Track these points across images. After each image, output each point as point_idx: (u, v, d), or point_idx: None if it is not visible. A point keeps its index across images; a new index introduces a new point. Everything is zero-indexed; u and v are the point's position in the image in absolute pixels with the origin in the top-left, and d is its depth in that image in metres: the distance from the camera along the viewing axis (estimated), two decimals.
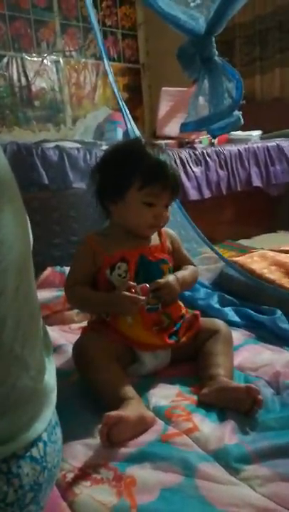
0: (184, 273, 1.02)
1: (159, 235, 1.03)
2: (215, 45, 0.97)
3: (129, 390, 0.82)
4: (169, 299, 0.96)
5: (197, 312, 1.04)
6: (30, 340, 0.53)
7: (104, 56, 1.56)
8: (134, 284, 0.90)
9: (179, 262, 1.06)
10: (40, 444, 0.53)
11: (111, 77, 1.57)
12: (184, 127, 1.10)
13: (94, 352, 0.88)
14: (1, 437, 0.48)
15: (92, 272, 0.97)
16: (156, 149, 0.96)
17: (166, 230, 1.06)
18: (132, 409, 0.76)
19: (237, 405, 0.80)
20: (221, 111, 0.98)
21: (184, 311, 1.03)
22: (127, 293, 0.88)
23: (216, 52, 0.98)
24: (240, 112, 1.03)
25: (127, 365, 0.93)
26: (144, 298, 0.88)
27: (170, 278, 0.96)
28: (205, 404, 0.83)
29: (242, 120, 1.02)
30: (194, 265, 1.10)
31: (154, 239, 1.02)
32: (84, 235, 1.61)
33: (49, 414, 0.56)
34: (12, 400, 0.49)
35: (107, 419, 0.71)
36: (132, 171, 0.92)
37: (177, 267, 1.04)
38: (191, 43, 1.00)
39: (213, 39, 0.97)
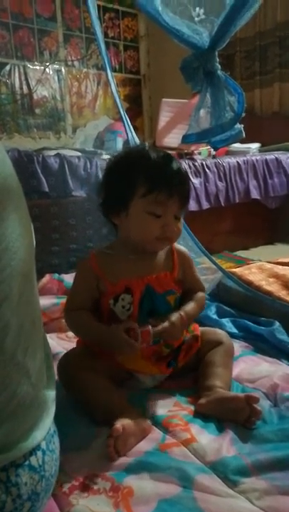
0: (190, 307, 0.92)
1: (172, 255, 0.94)
2: (218, 59, 0.99)
3: (121, 401, 0.81)
4: (171, 339, 0.90)
5: (197, 333, 0.99)
6: (32, 348, 0.53)
7: (107, 66, 1.57)
8: (136, 325, 0.82)
9: (189, 285, 0.97)
10: (39, 453, 0.53)
11: (113, 87, 1.58)
12: (185, 139, 1.11)
13: (80, 365, 0.85)
14: (0, 445, 0.47)
15: (95, 296, 0.91)
16: (162, 154, 0.88)
17: (179, 248, 0.97)
18: (131, 418, 0.75)
19: (235, 415, 0.80)
20: (223, 123, 0.99)
21: (185, 335, 0.97)
22: (125, 336, 0.80)
23: (219, 67, 1.00)
24: (242, 125, 1.04)
25: (121, 381, 0.91)
26: (143, 344, 0.82)
27: (174, 319, 0.86)
28: (202, 415, 0.83)
29: (244, 133, 1.04)
30: (203, 289, 1.00)
31: (166, 262, 0.93)
32: (83, 244, 1.59)
33: (48, 422, 0.56)
34: (12, 407, 0.49)
35: (113, 432, 0.70)
36: (134, 177, 0.84)
37: (185, 291, 0.97)
38: (195, 57, 1.01)
39: (216, 53, 0.99)
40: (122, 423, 0.72)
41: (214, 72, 0.98)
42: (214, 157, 2.53)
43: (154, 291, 0.89)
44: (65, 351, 1.13)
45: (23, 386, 0.50)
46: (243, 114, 1.00)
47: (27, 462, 0.51)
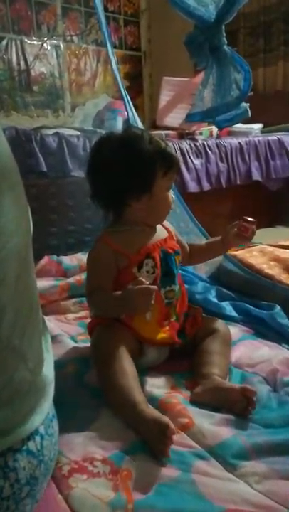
0: None
1: (161, 225, 1.03)
2: (224, 34, 0.95)
3: (143, 398, 0.78)
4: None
5: (198, 310, 1.04)
6: (29, 332, 0.52)
7: (107, 41, 1.52)
8: (144, 282, 0.84)
9: (184, 249, 1.08)
10: (37, 438, 0.52)
11: (114, 64, 1.53)
12: (189, 118, 1.08)
13: (111, 347, 0.86)
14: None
15: (114, 275, 0.94)
16: (153, 135, 0.96)
17: (165, 221, 1.07)
18: (154, 410, 0.74)
19: (230, 406, 0.79)
20: (228, 102, 0.96)
21: (188, 310, 1.03)
22: (140, 286, 0.83)
23: (225, 41, 0.96)
24: (248, 104, 1.01)
25: (134, 358, 0.91)
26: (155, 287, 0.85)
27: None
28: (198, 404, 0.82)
29: (249, 112, 1.00)
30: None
31: (161, 229, 1.02)
32: (81, 225, 1.58)
33: (47, 406, 0.55)
34: (9, 392, 0.48)
35: (172, 432, 0.67)
36: (154, 161, 0.91)
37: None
38: (200, 31, 0.97)
39: (223, 27, 0.94)
40: (169, 423, 0.69)
41: (220, 48, 0.94)
42: (218, 136, 2.48)
43: (168, 253, 0.98)
44: (64, 333, 1.13)
45: (20, 372, 0.49)
46: (250, 93, 0.97)
47: (25, 447, 0.50)
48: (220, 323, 1.02)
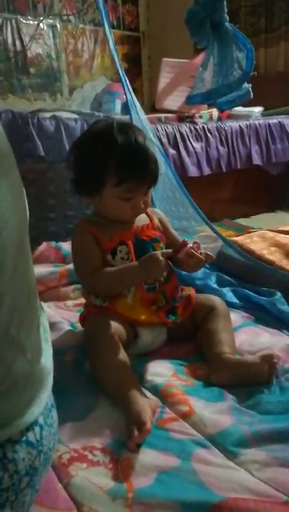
0: None
1: (146, 213, 1.01)
2: (226, 9, 0.91)
3: (132, 383, 0.78)
4: (192, 269, 0.95)
5: (191, 291, 1.03)
6: (27, 321, 0.50)
7: (105, 21, 1.47)
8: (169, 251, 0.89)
9: (170, 243, 1.03)
10: (37, 428, 0.51)
11: (111, 44, 1.49)
12: (190, 100, 1.05)
13: (100, 336, 0.86)
14: None
15: (100, 255, 0.94)
16: (130, 134, 0.89)
17: (152, 209, 1.05)
18: (145, 402, 0.73)
19: (255, 380, 0.81)
20: (230, 83, 0.93)
21: (181, 293, 1.02)
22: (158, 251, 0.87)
23: (227, 18, 0.92)
24: (250, 85, 0.97)
25: (128, 342, 0.92)
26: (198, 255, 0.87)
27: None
28: (209, 385, 0.83)
29: (252, 93, 0.97)
30: None
31: (142, 218, 1.00)
32: (80, 210, 1.57)
33: (46, 397, 0.54)
34: (7, 384, 0.47)
35: (144, 433, 0.66)
36: (104, 167, 0.88)
37: (168, 246, 1.01)
38: (201, 6, 0.93)
39: (225, 3, 0.90)
40: (149, 418, 0.69)
41: (222, 25, 0.90)
42: (220, 119, 2.44)
43: (142, 240, 0.96)
44: (64, 320, 1.12)
45: (19, 362, 0.48)
46: (253, 73, 0.93)
47: (24, 438, 0.49)
48: (215, 299, 1.02)
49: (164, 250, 0.90)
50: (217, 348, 0.88)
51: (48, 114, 1.80)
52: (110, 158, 0.87)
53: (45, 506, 0.57)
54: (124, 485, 0.59)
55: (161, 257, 0.85)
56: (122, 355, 0.83)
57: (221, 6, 0.90)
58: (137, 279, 0.91)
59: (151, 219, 1.02)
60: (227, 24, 0.93)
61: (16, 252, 0.47)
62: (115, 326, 0.88)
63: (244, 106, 2.66)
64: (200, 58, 1.48)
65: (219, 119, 2.47)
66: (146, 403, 0.72)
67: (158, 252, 0.87)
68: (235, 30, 0.94)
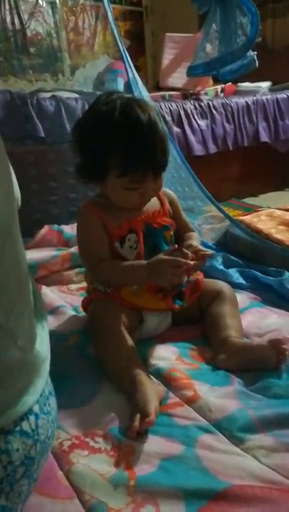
0: (195, 242, 0.93)
1: (158, 197, 0.95)
2: None
3: (140, 369, 0.76)
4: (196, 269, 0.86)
5: (200, 276, 0.99)
6: (18, 308, 0.48)
7: None
8: (177, 248, 0.82)
9: (179, 227, 0.99)
10: (32, 417, 0.49)
11: (111, 18, 1.43)
12: (192, 71, 0.99)
13: (107, 322, 0.83)
14: None
15: (107, 241, 0.89)
16: (134, 116, 0.78)
17: (165, 190, 0.98)
18: (150, 388, 0.71)
19: (262, 364, 0.78)
20: (234, 50, 0.87)
21: (188, 277, 0.96)
22: (169, 257, 0.80)
23: None
24: (255, 53, 0.91)
25: (133, 327, 0.89)
26: (190, 262, 0.79)
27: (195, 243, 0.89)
28: (215, 369, 0.80)
29: (257, 62, 0.91)
30: (193, 230, 1.02)
31: (154, 202, 0.93)
32: (83, 192, 1.53)
33: (41, 385, 0.52)
34: None
35: (148, 424, 0.64)
36: (106, 156, 0.80)
37: (176, 233, 0.97)
38: None
39: None
40: (154, 409, 0.66)
41: None
42: (224, 96, 2.36)
43: (153, 227, 0.91)
44: (67, 304, 1.10)
45: (9, 351, 0.45)
46: (258, 39, 0.87)
47: (18, 428, 0.47)
48: (222, 284, 0.98)
49: (171, 258, 0.80)
50: (223, 332, 0.86)
51: (47, 94, 1.75)
52: (112, 146, 0.79)
53: (46, 495, 0.55)
54: (126, 472, 0.58)
55: (168, 264, 0.78)
56: (130, 342, 0.81)
57: None
58: (141, 282, 0.87)
59: (163, 203, 0.96)
60: None
61: (1, 235, 0.45)
62: (120, 312, 0.86)
63: (251, 81, 2.57)
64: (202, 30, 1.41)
65: (223, 95, 2.39)
66: (153, 393, 0.70)
67: (166, 259, 0.79)
68: None
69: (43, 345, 0.55)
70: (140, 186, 0.83)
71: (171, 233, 0.94)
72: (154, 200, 0.93)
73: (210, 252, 0.85)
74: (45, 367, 0.54)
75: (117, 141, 0.79)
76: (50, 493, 0.55)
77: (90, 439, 0.63)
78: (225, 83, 2.10)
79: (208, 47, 0.92)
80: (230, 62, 0.90)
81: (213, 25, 0.87)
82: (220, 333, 0.86)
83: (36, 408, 0.50)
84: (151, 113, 0.81)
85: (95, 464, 0.59)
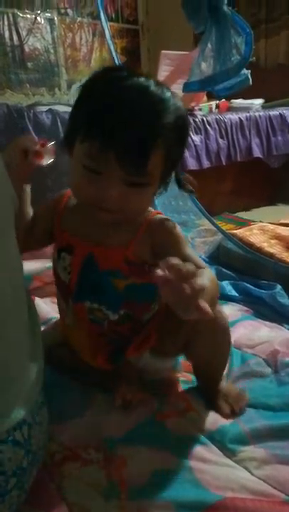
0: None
1: (139, 226, 0.68)
2: None
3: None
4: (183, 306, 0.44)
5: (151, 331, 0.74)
6: (13, 319, 0.48)
7: (101, 11, 1.44)
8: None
9: None
10: (25, 427, 0.49)
11: (108, 35, 1.46)
12: (187, 87, 1.02)
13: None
14: None
15: (46, 228, 0.73)
16: (127, 74, 0.58)
17: (157, 220, 0.69)
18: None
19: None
20: (228, 69, 0.90)
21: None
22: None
23: (226, 1, 0.89)
24: (249, 71, 0.94)
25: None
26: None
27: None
28: None
29: (250, 80, 0.94)
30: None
31: (127, 234, 0.68)
32: None
33: (34, 394, 0.52)
34: None
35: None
36: (80, 112, 0.61)
37: None
38: None
39: None
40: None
41: (220, 8, 0.87)
42: (217, 107, 2.39)
43: (96, 265, 0.67)
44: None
45: (3, 360, 0.46)
46: (252, 58, 0.90)
47: (11, 438, 0.47)
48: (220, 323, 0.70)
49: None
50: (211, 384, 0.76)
51: (44, 108, 1.77)
52: (89, 101, 0.60)
53: (37, 507, 0.55)
54: (118, 485, 0.57)
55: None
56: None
57: None
58: None
59: (130, 243, 0.67)
60: (225, 7, 0.89)
61: None
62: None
63: (244, 98, 2.63)
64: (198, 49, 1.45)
65: (217, 111, 2.44)
66: None
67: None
68: (234, 14, 0.91)
69: (37, 356, 0.55)
70: (100, 169, 0.58)
71: (128, 284, 0.68)
72: (127, 234, 0.67)
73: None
74: (39, 377, 0.54)
75: (98, 91, 0.59)
76: (41, 506, 0.55)
77: (82, 451, 0.63)
78: (219, 99, 2.14)
79: (204, 65, 0.94)
80: (225, 79, 0.93)
81: (209, 44, 0.90)
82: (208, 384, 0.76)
83: (29, 418, 0.50)
84: (153, 83, 0.58)
85: (87, 476, 0.59)
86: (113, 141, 0.56)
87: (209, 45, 0.91)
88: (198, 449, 0.64)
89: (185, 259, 0.55)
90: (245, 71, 0.93)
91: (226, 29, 0.88)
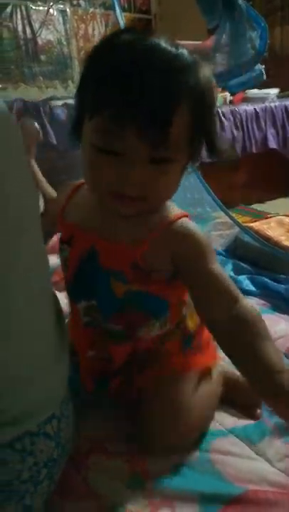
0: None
1: (158, 226, 0.57)
2: None
3: None
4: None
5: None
6: (43, 312, 0.50)
7: (116, 3, 1.44)
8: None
9: (198, 289, 0.58)
10: (54, 421, 0.51)
11: (122, 24, 1.45)
12: None
13: None
14: (14, 417, 0.46)
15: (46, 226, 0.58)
16: (142, 36, 0.50)
17: (184, 226, 0.58)
18: None
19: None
20: (242, 63, 0.89)
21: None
22: None
23: None
24: (263, 66, 0.93)
25: None
26: None
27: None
28: None
29: (264, 75, 0.93)
30: (236, 299, 0.57)
31: (141, 232, 0.57)
32: None
33: (62, 389, 0.54)
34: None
35: None
36: (84, 86, 0.53)
37: (196, 300, 0.60)
38: None
39: None
40: None
41: (234, 2, 0.86)
42: (231, 102, 2.38)
43: (97, 261, 0.58)
44: None
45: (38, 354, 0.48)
46: (265, 53, 0.89)
47: (42, 431, 0.49)
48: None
49: None
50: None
51: (59, 102, 1.78)
52: (94, 69, 0.51)
53: (64, 497, 0.57)
54: (142, 476, 0.59)
55: None
56: None
57: None
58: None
59: (143, 244, 0.57)
60: (240, 1, 0.88)
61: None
62: None
63: (259, 88, 2.59)
64: (212, 39, 1.44)
65: (231, 102, 2.42)
66: None
67: None
68: (249, 8, 0.90)
69: (64, 349, 0.57)
70: (118, 150, 0.49)
71: (128, 290, 0.59)
72: (140, 225, 0.57)
73: None
74: (66, 371, 0.56)
75: (95, 64, 0.51)
76: (70, 496, 0.57)
77: (108, 444, 0.65)
78: (232, 94, 2.12)
79: (218, 59, 0.94)
80: (239, 74, 0.92)
81: (223, 38, 0.89)
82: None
83: (58, 412, 0.52)
84: (164, 40, 0.49)
85: (111, 467, 0.61)
86: (126, 107, 0.47)
87: (223, 40, 0.90)
88: (221, 442, 0.65)
89: (214, 279, 0.55)
90: (259, 66, 0.92)
91: (241, 24, 0.86)
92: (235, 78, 1.01)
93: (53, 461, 0.51)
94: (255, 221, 1.53)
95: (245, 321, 0.56)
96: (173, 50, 0.49)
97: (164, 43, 0.49)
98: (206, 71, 0.53)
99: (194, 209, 1.69)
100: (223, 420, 0.69)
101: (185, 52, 0.51)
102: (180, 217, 0.58)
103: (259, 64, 0.99)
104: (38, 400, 0.48)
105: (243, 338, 0.55)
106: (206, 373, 0.66)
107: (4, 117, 0.44)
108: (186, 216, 0.59)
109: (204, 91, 0.52)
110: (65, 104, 1.75)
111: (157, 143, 0.48)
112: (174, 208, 0.60)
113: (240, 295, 0.57)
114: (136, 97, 0.46)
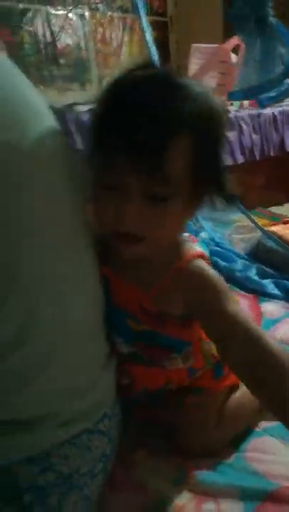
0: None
1: (170, 270, 0.56)
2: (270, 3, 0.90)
3: None
4: None
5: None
6: (99, 313, 0.55)
7: (140, 10, 1.46)
8: None
9: (214, 331, 0.55)
10: (106, 419, 0.55)
11: (148, 36, 1.48)
12: (231, 96, 1.04)
13: None
14: (75, 416, 0.50)
15: None
16: (152, 72, 0.50)
17: (190, 266, 0.55)
18: None
19: None
20: (272, 79, 0.92)
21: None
22: None
23: (271, 12, 0.91)
24: None
25: None
26: None
27: None
28: None
29: None
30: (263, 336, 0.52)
31: (153, 276, 0.56)
32: None
33: (112, 389, 0.58)
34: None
35: None
36: (94, 119, 0.52)
37: (215, 339, 0.56)
38: (244, 2, 0.92)
39: None
40: None
41: (266, 19, 0.89)
42: (249, 107, 2.39)
43: (109, 295, 0.57)
44: None
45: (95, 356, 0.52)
46: None
47: (97, 429, 0.53)
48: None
49: None
50: None
51: (84, 107, 1.81)
52: (97, 106, 0.51)
53: (114, 490, 0.61)
54: (185, 472, 0.63)
55: None
56: None
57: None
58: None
59: (153, 289, 0.56)
60: (271, 18, 0.91)
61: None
62: None
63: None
64: (230, 43, 1.46)
65: (249, 106, 2.43)
66: None
67: None
68: (279, 25, 0.92)
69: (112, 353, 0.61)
70: (116, 184, 0.48)
71: (143, 330, 0.58)
72: (150, 270, 0.56)
73: None
74: (115, 372, 0.60)
75: (101, 104, 0.50)
76: (121, 489, 0.60)
77: (150, 441, 0.69)
78: (263, 107, 2.13)
79: (248, 74, 0.96)
80: (269, 89, 0.95)
81: (252, 53, 0.92)
82: None
83: (109, 411, 0.56)
84: (165, 72, 0.51)
85: (156, 463, 0.64)
86: (122, 139, 0.45)
87: (253, 55, 0.92)
88: (256, 442, 0.68)
89: (232, 320, 0.52)
90: (288, 80, 0.94)
91: (272, 40, 0.89)
92: (265, 93, 1.03)
93: (106, 456, 0.55)
94: (274, 224, 1.56)
95: (271, 366, 0.51)
96: (173, 79, 0.48)
97: (164, 76, 0.49)
98: (213, 102, 0.49)
99: (213, 212, 1.71)
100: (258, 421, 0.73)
101: (186, 81, 0.49)
102: (193, 259, 0.56)
103: (288, 79, 1.01)
104: (96, 401, 0.53)
105: (269, 384, 0.51)
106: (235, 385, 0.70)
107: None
108: (201, 256, 0.56)
109: (209, 123, 0.48)
110: (90, 110, 1.78)
111: (151, 175, 0.46)
112: (187, 247, 0.57)
113: (262, 331, 0.53)
114: (127, 126, 0.45)
